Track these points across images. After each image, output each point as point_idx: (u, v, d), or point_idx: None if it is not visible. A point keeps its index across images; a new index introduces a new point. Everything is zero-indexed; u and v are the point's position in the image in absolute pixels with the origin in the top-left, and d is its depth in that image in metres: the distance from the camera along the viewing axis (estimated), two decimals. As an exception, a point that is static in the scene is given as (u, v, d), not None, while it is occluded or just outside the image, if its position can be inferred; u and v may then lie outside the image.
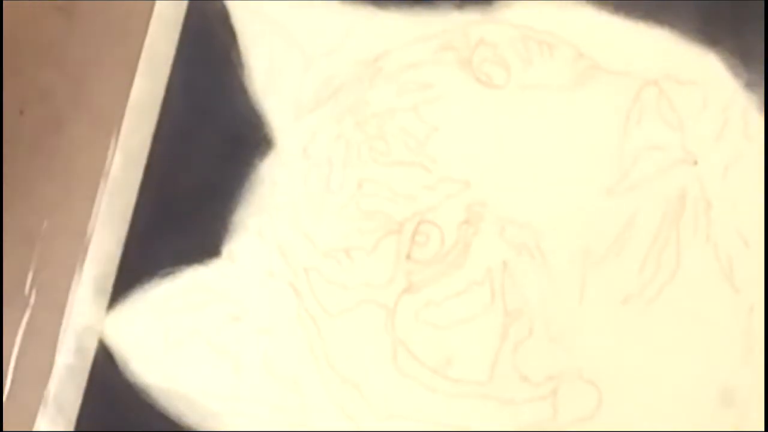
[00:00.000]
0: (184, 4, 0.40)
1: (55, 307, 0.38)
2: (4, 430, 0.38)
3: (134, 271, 0.38)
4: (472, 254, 0.37)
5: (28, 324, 0.38)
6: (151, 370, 0.37)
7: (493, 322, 0.36)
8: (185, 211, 0.38)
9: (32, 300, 0.39)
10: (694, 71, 0.38)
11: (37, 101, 0.40)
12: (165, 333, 0.38)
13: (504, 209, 0.37)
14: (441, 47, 0.38)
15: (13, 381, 0.38)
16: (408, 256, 0.37)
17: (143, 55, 0.39)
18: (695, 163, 0.37)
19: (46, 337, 0.38)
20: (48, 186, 0.39)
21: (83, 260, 0.38)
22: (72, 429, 0.37)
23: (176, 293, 0.38)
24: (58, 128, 0.40)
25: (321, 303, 0.37)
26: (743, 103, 0.37)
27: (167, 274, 0.38)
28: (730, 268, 0.36)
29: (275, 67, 0.39)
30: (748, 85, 0.37)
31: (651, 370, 0.36)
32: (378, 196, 0.37)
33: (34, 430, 0.37)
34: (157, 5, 0.40)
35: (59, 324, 0.38)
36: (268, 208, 0.38)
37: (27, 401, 0.38)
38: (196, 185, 0.38)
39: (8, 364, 0.38)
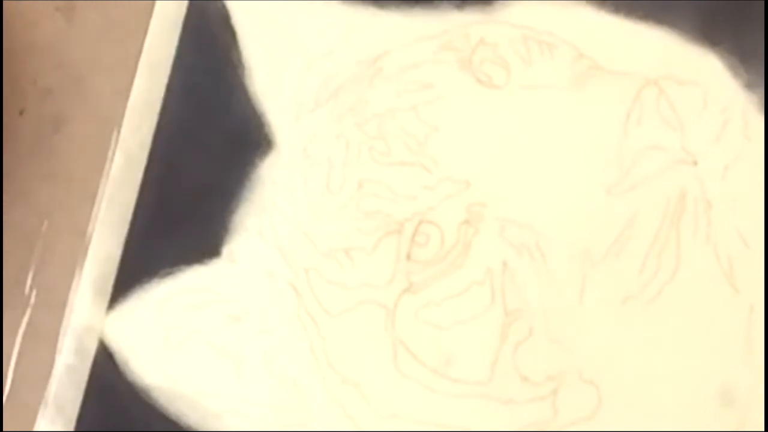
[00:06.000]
0: (184, 4, 0.40)
1: (55, 307, 0.38)
2: (4, 430, 0.38)
3: (134, 271, 0.38)
4: (472, 254, 0.37)
5: (28, 324, 0.38)
6: (151, 370, 0.37)
7: (493, 322, 0.36)
8: (185, 211, 0.38)
9: (32, 300, 0.39)
10: (694, 71, 0.38)
11: (37, 101, 0.40)
12: (165, 333, 0.38)
13: (504, 209, 0.37)
14: (441, 47, 0.38)
15: (13, 381, 0.38)
16: (408, 257, 0.37)
17: (143, 55, 0.39)
18: (695, 163, 0.37)
19: (46, 337, 0.38)
20: (48, 186, 0.39)
21: (83, 260, 0.38)
22: (72, 429, 0.37)
23: (176, 293, 0.38)
24: (58, 128, 0.40)
25: (321, 303, 0.37)
26: (743, 103, 0.37)
27: (167, 274, 0.38)
28: (730, 268, 0.36)
29: (275, 67, 0.39)
30: (748, 86, 0.37)
31: (651, 370, 0.36)
32: (378, 196, 0.37)
33: (34, 430, 0.37)
34: (157, 5, 0.40)
35: (59, 324, 0.38)
36: (268, 208, 0.38)
37: (27, 401, 0.38)
38: (196, 185, 0.38)
39: (8, 364, 0.38)
